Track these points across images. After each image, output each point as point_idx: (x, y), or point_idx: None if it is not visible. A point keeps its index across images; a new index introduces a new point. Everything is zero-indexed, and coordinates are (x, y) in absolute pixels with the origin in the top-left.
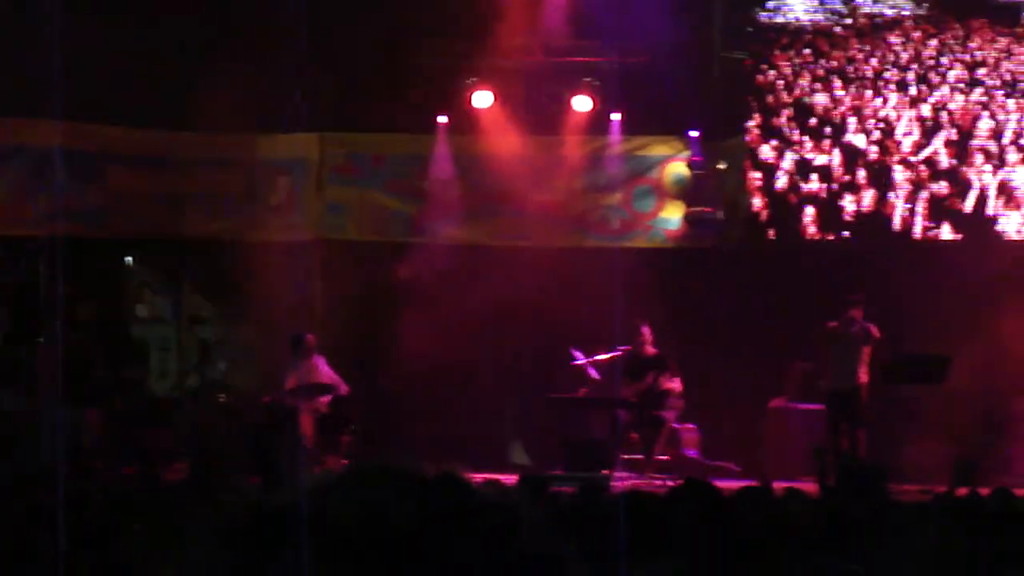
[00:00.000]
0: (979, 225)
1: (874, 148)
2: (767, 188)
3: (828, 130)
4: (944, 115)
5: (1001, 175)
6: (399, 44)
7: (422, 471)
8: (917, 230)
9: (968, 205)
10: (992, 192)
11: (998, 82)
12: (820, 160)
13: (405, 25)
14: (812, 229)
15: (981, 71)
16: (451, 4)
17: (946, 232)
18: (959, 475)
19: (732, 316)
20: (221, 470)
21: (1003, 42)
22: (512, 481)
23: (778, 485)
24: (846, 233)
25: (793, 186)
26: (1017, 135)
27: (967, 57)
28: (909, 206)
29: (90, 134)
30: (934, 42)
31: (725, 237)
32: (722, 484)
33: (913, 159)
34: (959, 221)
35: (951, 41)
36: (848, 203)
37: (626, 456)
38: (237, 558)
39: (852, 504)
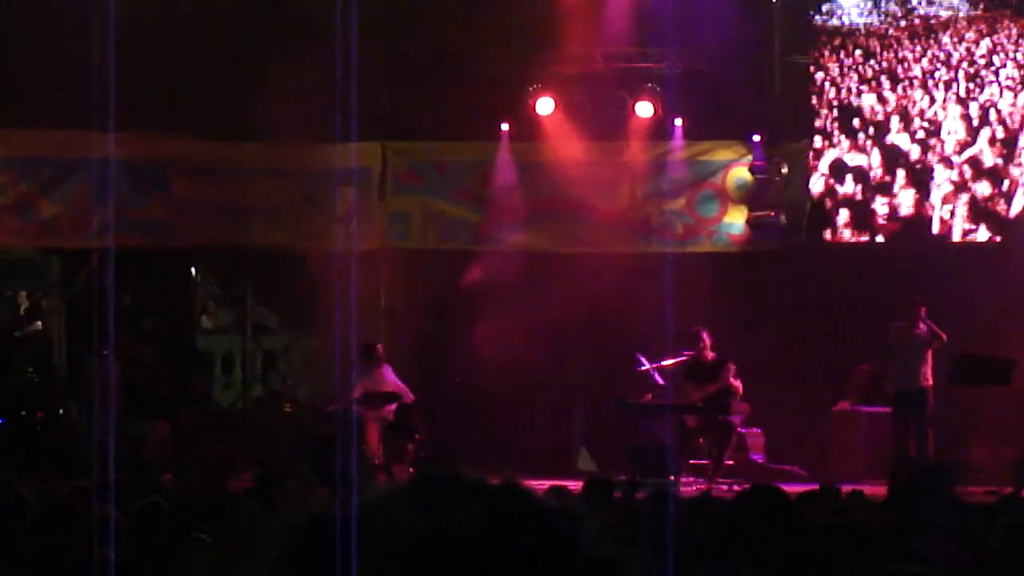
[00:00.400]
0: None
1: (936, 149)
2: (828, 191)
3: (886, 131)
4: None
5: None
6: (461, 52)
7: (483, 479)
8: (979, 232)
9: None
10: None
11: None
12: (879, 161)
13: (467, 33)
14: (875, 231)
15: None
16: (513, 11)
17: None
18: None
19: (796, 319)
20: (286, 481)
21: None
22: (577, 487)
23: (844, 488)
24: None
25: (856, 188)
26: None
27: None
28: (966, 208)
29: (152, 145)
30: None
31: (788, 240)
32: (788, 488)
33: (956, 159)
34: (1005, 223)
35: (1005, 41)
36: (908, 204)
37: (693, 461)
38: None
39: (919, 506)
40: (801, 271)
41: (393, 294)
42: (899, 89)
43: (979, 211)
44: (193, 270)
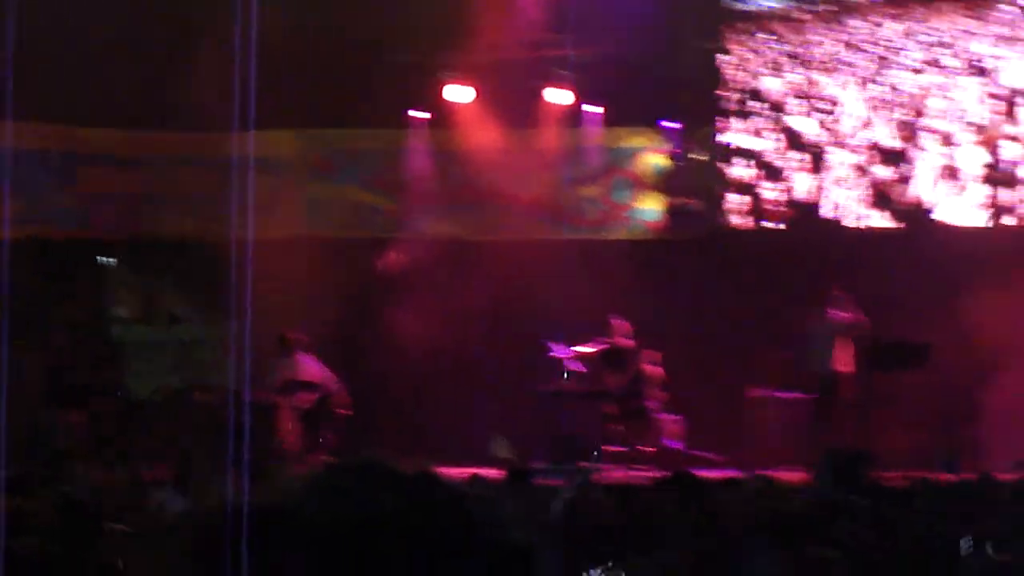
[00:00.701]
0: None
1: (840, 133)
2: (742, 177)
3: (795, 116)
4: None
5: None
6: (374, 39)
7: (398, 467)
8: (884, 216)
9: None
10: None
11: (958, 63)
12: (787, 146)
13: (380, 20)
14: (784, 217)
15: (942, 52)
16: None
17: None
18: (942, 461)
19: (712, 305)
20: (202, 470)
21: (966, 22)
22: (496, 475)
23: (762, 474)
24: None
25: (766, 173)
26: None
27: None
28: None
29: (63, 135)
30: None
31: (702, 226)
32: (706, 474)
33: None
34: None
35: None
36: (813, 190)
37: (610, 448)
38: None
39: (836, 491)
40: (715, 257)
41: (308, 282)
42: (809, 73)
43: (881, 196)
44: (106, 260)
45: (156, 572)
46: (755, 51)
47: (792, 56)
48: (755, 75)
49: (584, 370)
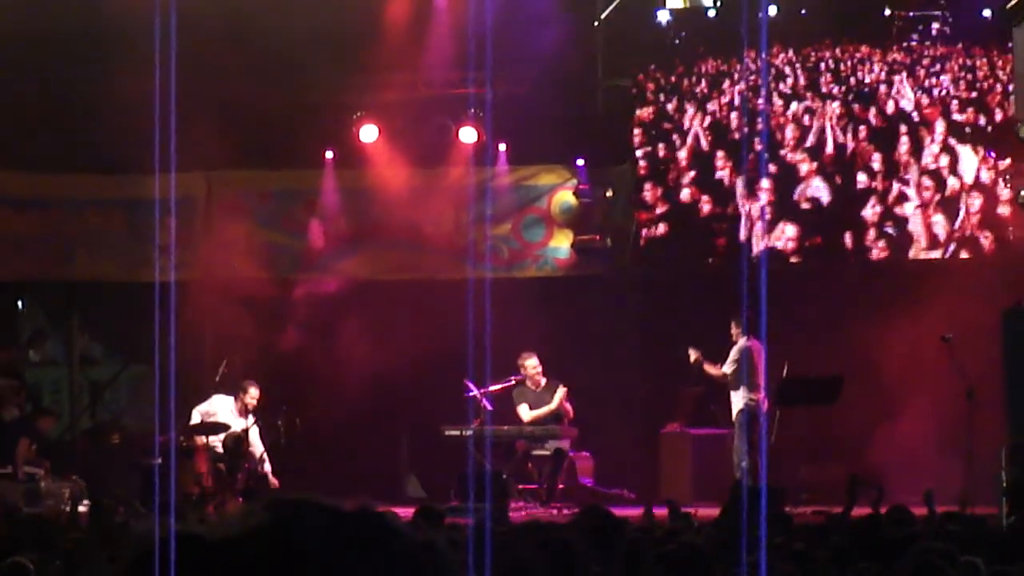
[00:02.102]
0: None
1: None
2: (652, 213)
3: (704, 151)
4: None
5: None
6: (284, 80)
7: (339, 505)
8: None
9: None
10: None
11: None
12: (703, 183)
13: (289, 60)
14: (697, 252)
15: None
16: (335, 38)
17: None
18: (853, 495)
19: (624, 342)
20: (115, 509)
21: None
22: (408, 514)
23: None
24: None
25: (677, 210)
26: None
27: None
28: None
29: None
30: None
31: (613, 264)
32: (619, 511)
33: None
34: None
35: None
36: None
37: (523, 486)
38: None
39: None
40: (627, 294)
41: (220, 323)
42: (718, 107)
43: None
44: (20, 302)
45: None
46: (665, 88)
47: (702, 90)
48: (665, 112)
49: (496, 408)
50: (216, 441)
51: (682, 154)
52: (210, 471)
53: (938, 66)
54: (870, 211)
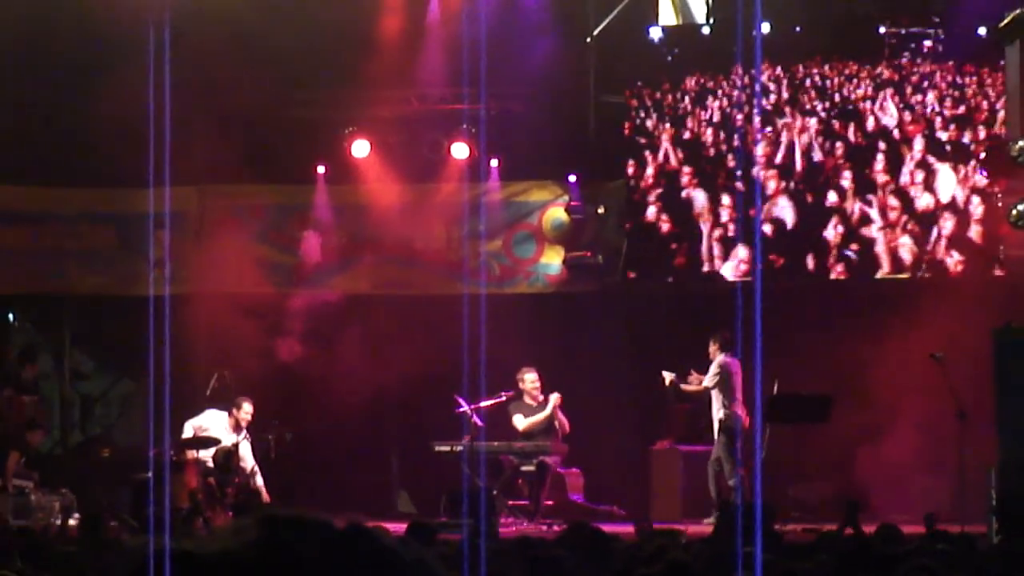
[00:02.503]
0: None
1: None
2: (644, 230)
3: (697, 169)
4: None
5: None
6: (276, 94)
7: (330, 521)
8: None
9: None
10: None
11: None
12: (694, 200)
13: (281, 75)
14: (691, 269)
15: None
16: (327, 53)
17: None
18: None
19: (614, 359)
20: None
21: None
22: (399, 529)
23: (661, 527)
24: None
25: (671, 228)
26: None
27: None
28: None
29: None
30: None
31: (604, 280)
32: (608, 528)
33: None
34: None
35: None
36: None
37: (512, 503)
38: None
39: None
40: (617, 311)
41: (212, 338)
42: (709, 126)
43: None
44: (10, 316)
45: None
46: (657, 105)
47: (693, 108)
48: (656, 129)
49: (486, 424)
50: (207, 455)
51: (649, 171)
52: (200, 486)
53: (926, 83)
54: (851, 230)
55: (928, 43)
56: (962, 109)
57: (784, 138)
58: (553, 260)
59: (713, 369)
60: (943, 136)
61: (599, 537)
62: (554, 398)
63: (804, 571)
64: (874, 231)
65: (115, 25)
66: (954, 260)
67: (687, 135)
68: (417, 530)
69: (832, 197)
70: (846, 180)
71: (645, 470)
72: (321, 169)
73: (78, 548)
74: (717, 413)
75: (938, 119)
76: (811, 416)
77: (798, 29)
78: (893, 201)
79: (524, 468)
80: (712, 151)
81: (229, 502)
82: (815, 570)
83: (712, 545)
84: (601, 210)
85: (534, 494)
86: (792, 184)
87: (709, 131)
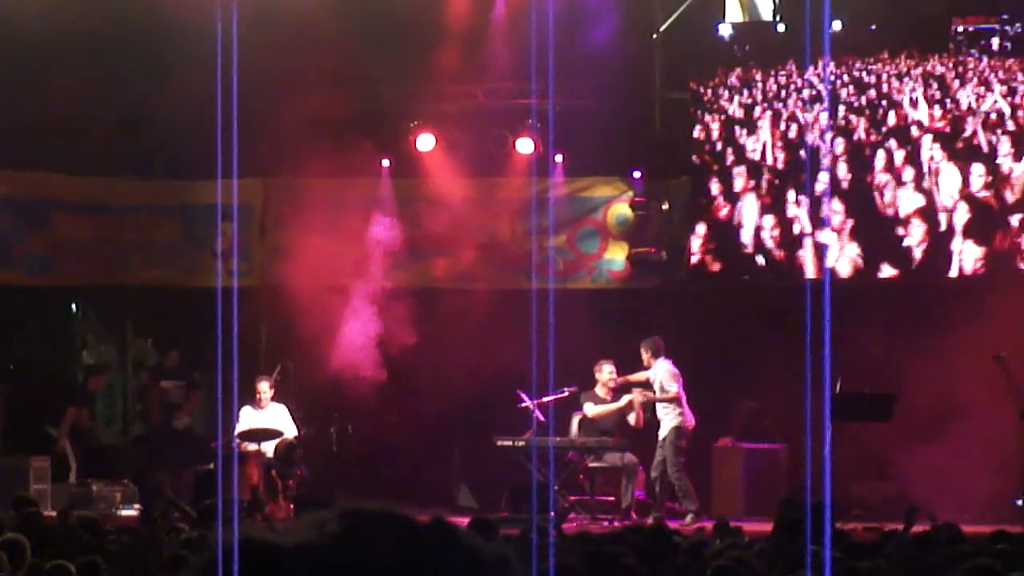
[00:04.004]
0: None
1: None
2: (710, 227)
3: (764, 167)
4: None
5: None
6: (342, 88)
7: (412, 517)
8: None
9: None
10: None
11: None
12: (758, 197)
13: (348, 69)
14: (756, 266)
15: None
16: (394, 47)
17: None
18: (910, 514)
19: (677, 355)
20: (168, 515)
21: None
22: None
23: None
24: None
25: (735, 223)
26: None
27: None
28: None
29: (34, 182)
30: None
31: (669, 277)
32: (673, 524)
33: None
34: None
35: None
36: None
37: (574, 497)
38: None
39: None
40: (682, 307)
41: (274, 330)
42: (779, 123)
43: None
44: (74, 306)
45: None
46: (724, 101)
47: (761, 106)
48: (723, 126)
49: (547, 419)
50: (268, 447)
51: (715, 168)
52: (262, 477)
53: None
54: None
55: (996, 40)
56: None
57: (852, 136)
58: (617, 256)
59: (670, 374)
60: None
61: (658, 533)
62: (631, 396)
63: (867, 570)
64: (937, 230)
65: (182, 15)
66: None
67: (755, 131)
68: (480, 525)
69: (892, 196)
70: (908, 176)
71: (707, 467)
72: (386, 163)
73: (137, 539)
74: (670, 416)
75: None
76: (874, 415)
77: (873, 28)
78: (959, 202)
79: (593, 464)
80: (781, 149)
81: (291, 495)
82: (877, 569)
83: (774, 543)
84: (665, 206)
85: (600, 491)
86: (851, 181)
87: (777, 129)
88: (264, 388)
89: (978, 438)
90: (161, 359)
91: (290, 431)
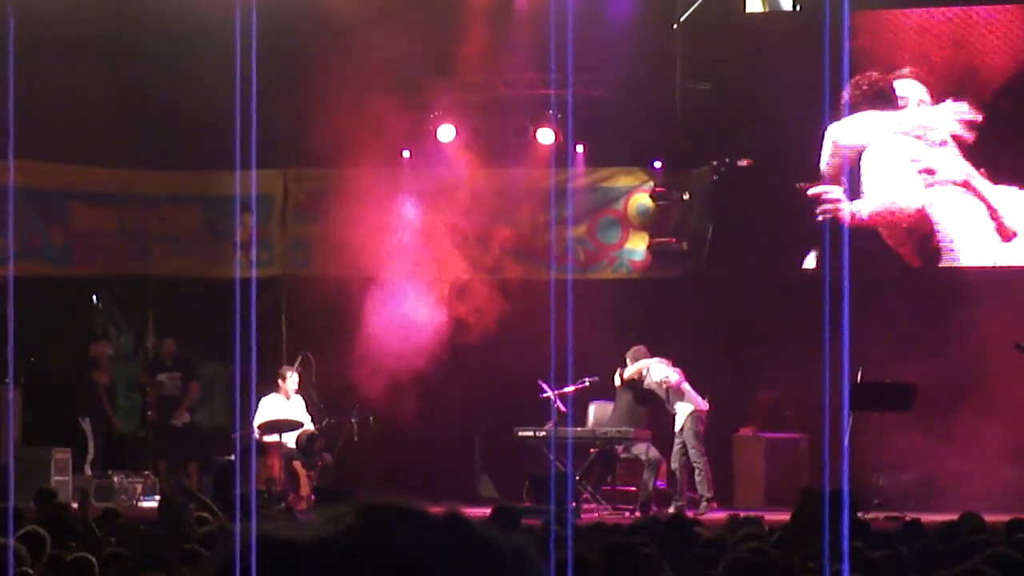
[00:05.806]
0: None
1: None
2: (728, 217)
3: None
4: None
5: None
6: (362, 78)
7: (427, 510)
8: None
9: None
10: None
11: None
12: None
13: (368, 59)
14: (775, 258)
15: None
16: (414, 38)
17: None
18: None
19: (698, 346)
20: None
21: None
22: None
23: (745, 514)
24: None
25: (755, 214)
26: None
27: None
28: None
29: (54, 173)
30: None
31: (690, 267)
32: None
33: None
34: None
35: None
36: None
37: (591, 488)
38: None
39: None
40: (703, 297)
41: (294, 321)
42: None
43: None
44: (94, 297)
45: None
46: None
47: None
48: (743, 115)
49: (568, 410)
50: (288, 439)
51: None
52: (283, 469)
53: None
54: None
55: None
56: None
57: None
58: (638, 246)
59: (665, 364)
60: None
61: (677, 524)
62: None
63: (887, 559)
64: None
65: (204, 5)
66: None
67: (773, 122)
68: (501, 515)
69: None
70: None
71: (728, 457)
72: (407, 153)
73: (158, 530)
74: (683, 404)
75: None
76: (896, 404)
77: None
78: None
79: (623, 456)
80: (800, 138)
81: (312, 486)
82: (898, 557)
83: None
84: (686, 196)
85: (620, 481)
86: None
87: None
88: (293, 378)
89: (999, 427)
90: (158, 349)
91: (307, 423)
